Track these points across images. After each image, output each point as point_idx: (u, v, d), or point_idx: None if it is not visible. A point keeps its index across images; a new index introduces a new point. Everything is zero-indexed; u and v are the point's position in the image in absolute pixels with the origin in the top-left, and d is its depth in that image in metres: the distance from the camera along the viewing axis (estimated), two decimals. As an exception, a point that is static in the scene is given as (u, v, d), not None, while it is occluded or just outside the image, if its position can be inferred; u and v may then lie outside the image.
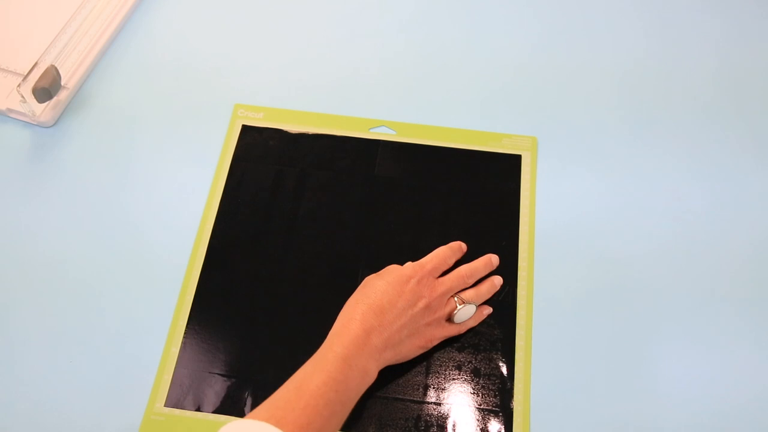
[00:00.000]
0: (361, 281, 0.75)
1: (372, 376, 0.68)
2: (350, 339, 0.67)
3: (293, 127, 0.91)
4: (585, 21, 1.01)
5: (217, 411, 0.73)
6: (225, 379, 0.75)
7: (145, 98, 0.95)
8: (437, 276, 0.76)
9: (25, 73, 0.87)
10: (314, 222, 0.84)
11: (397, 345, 0.70)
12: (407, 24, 1.01)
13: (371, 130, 0.91)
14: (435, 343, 0.74)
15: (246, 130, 0.91)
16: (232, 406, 0.74)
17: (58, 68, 0.90)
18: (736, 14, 1.01)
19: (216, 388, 0.74)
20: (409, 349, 0.72)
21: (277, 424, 0.58)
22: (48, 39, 0.92)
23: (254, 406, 0.69)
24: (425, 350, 0.74)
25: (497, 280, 0.79)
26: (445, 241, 0.81)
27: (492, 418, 0.73)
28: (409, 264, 0.76)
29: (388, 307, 0.70)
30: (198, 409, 0.73)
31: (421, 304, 0.72)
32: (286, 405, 0.61)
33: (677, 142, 0.90)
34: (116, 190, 0.87)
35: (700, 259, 0.81)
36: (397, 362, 0.73)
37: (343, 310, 0.72)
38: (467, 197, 0.86)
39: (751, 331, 0.77)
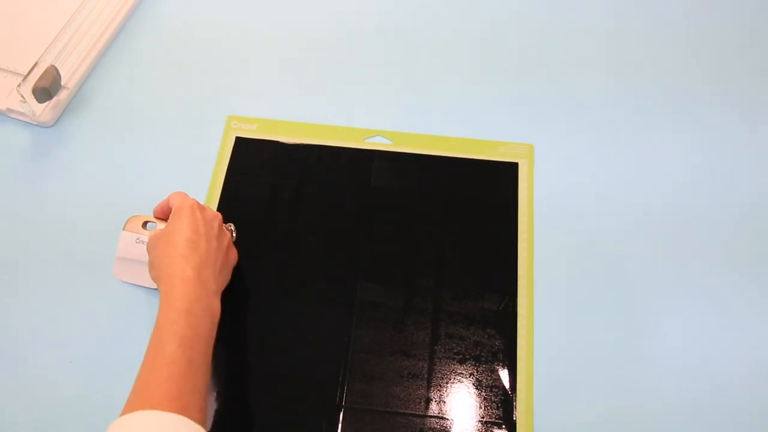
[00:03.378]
0: (360, 293, 0.72)
1: (218, 309, 0.63)
2: (185, 287, 0.60)
3: (287, 139, 0.86)
4: (580, 28, 0.97)
5: (216, 428, 0.69)
6: (223, 395, 0.70)
7: (145, 98, 0.91)
8: None
9: (25, 73, 0.84)
10: (311, 234, 0.79)
11: (223, 265, 0.67)
12: (402, 33, 0.97)
13: (367, 140, 0.86)
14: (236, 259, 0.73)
15: (240, 141, 0.86)
16: (232, 423, 0.69)
17: (58, 68, 0.86)
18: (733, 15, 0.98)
19: (216, 406, 0.69)
20: (231, 263, 0.70)
21: (152, 407, 0.53)
22: (48, 39, 0.89)
23: (253, 422, 0.67)
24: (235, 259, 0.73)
25: None
26: (442, 252, 0.77)
27: (495, 430, 0.68)
28: (178, 195, 0.71)
29: (196, 237, 0.65)
30: None
31: (216, 222, 0.69)
32: (149, 384, 0.55)
33: (677, 144, 0.86)
34: (116, 191, 0.83)
35: (700, 252, 0.78)
36: (227, 281, 0.69)
37: (153, 258, 0.66)
38: (464, 206, 0.81)
39: (749, 297, 0.76)
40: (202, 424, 0.55)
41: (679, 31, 0.96)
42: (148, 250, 0.69)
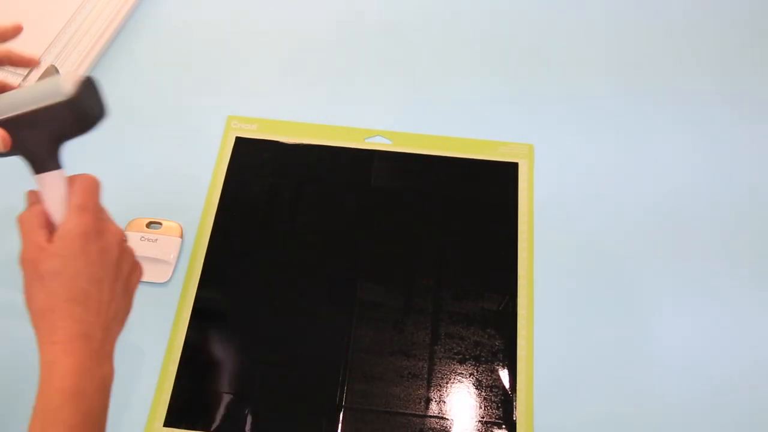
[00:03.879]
0: (360, 293, 0.72)
1: (111, 374, 0.52)
2: (71, 360, 0.49)
3: (287, 139, 0.85)
4: (580, 28, 0.96)
5: (217, 429, 0.68)
6: (224, 396, 0.69)
7: (145, 98, 0.90)
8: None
9: (26, 73, 0.83)
10: (311, 234, 0.79)
11: (118, 317, 0.55)
12: (402, 33, 0.97)
13: (367, 140, 0.85)
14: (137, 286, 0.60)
15: (240, 142, 0.85)
16: (232, 423, 0.68)
17: (58, 68, 0.86)
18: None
19: (215, 405, 0.69)
20: (133, 288, 0.58)
21: None
22: (48, 39, 0.88)
23: (254, 422, 0.66)
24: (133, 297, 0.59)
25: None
26: (442, 251, 0.77)
27: (495, 430, 0.67)
28: (79, 195, 0.55)
29: (89, 287, 0.52)
30: (198, 428, 0.68)
31: (115, 251, 0.55)
32: None
33: (677, 144, 0.85)
34: (116, 191, 0.80)
35: (700, 251, 0.78)
36: (128, 313, 0.58)
37: (32, 292, 0.53)
38: (464, 206, 0.80)
39: (750, 296, 0.75)
40: None
41: (680, 30, 0.96)
42: (26, 267, 0.55)
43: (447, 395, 0.69)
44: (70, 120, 0.55)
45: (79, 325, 0.50)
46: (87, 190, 0.55)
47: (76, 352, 0.50)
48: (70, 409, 0.48)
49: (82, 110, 0.55)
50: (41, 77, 0.82)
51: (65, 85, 0.53)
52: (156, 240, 0.77)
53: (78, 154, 0.83)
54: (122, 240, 0.56)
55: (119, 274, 0.55)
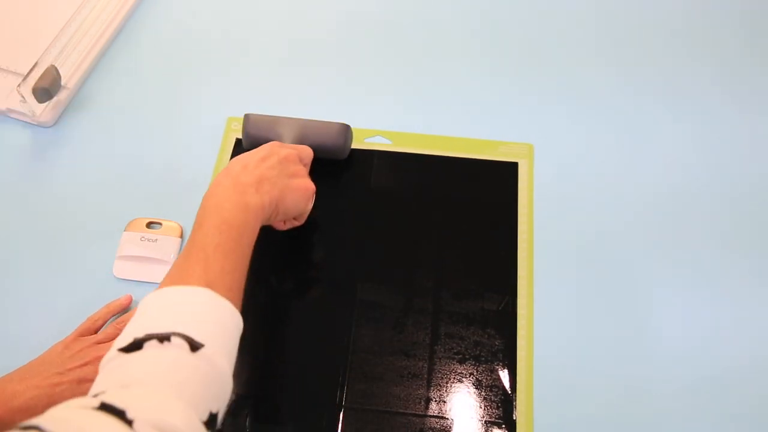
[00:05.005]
0: (360, 293, 0.72)
1: (255, 204, 0.62)
2: (216, 189, 0.62)
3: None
4: (580, 27, 0.96)
5: (217, 429, 0.66)
6: None
7: (145, 99, 0.90)
8: None
9: (25, 73, 0.83)
10: (311, 234, 0.78)
11: (273, 180, 0.65)
12: (401, 33, 0.96)
13: (366, 140, 0.85)
14: (313, 190, 0.71)
15: (240, 143, 0.84)
16: (232, 423, 0.67)
17: (58, 68, 0.85)
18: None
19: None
20: (295, 189, 0.68)
21: (177, 284, 0.54)
22: (48, 39, 0.88)
23: (254, 422, 0.66)
24: (310, 198, 0.71)
25: None
26: (441, 251, 0.76)
27: (495, 430, 0.67)
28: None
29: (247, 158, 0.66)
30: None
31: (284, 152, 0.69)
32: (178, 267, 0.57)
33: (678, 144, 0.85)
34: (116, 191, 0.82)
35: (702, 253, 0.77)
36: (292, 206, 0.68)
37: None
38: (464, 206, 0.80)
39: (751, 291, 0.75)
40: (233, 301, 0.55)
41: (679, 27, 0.96)
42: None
43: (447, 395, 0.68)
44: None
45: (229, 173, 0.63)
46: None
47: (220, 185, 0.62)
48: (211, 214, 0.59)
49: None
50: (41, 77, 0.83)
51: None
52: (156, 240, 0.76)
53: (78, 154, 0.84)
54: (296, 156, 0.70)
55: (277, 165, 0.67)
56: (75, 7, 0.92)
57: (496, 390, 0.69)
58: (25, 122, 0.87)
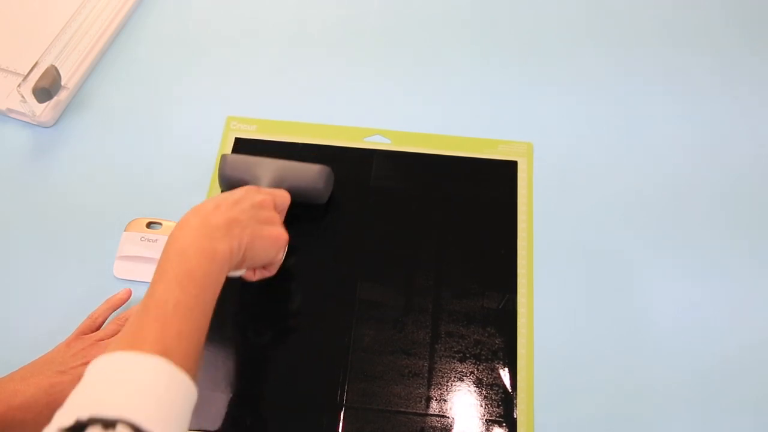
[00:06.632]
0: (360, 293, 0.71)
1: (222, 252, 0.57)
2: (183, 231, 0.57)
3: (287, 139, 0.84)
4: (580, 26, 0.96)
5: (217, 429, 0.67)
6: (225, 396, 0.68)
7: (145, 98, 0.89)
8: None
9: (25, 73, 0.83)
10: (310, 234, 0.78)
11: (244, 224, 0.61)
12: (401, 33, 0.96)
13: (366, 140, 0.84)
14: (285, 240, 0.66)
15: (239, 142, 0.84)
16: (232, 423, 0.67)
17: (58, 68, 0.85)
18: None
19: (217, 406, 0.68)
20: (266, 237, 0.63)
21: (130, 348, 0.49)
22: (48, 39, 0.87)
23: (254, 422, 0.65)
24: (282, 247, 0.67)
25: None
26: (441, 250, 0.76)
27: (496, 428, 0.66)
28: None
29: (220, 199, 0.62)
30: (198, 428, 0.67)
31: (259, 197, 0.65)
32: (134, 326, 0.52)
33: (677, 140, 0.85)
34: (116, 191, 0.82)
35: (702, 246, 0.77)
36: (261, 254, 0.64)
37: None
38: (464, 205, 0.79)
39: (752, 285, 0.75)
40: (190, 370, 0.51)
41: (679, 24, 0.95)
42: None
43: (448, 394, 0.68)
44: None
45: (198, 213, 0.59)
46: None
47: (187, 226, 0.58)
48: (174, 264, 0.55)
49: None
50: (41, 77, 0.82)
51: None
52: (156, 240, 0.76)
53: (78, 154, 0.84)
54: (270, 202, 0.66)
55: (250, 208, 0.63)
56: (75, 7, 0.91)
57: (496, 388, 0.68)
58: (25, 122, 0.86)
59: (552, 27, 0.95)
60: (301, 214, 0.77)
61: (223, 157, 0.75)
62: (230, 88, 0.90)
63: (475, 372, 0.69)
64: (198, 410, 0.66)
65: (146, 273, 0.74)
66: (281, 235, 0.65)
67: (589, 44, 0.93)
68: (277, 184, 0.72)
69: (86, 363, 0.63)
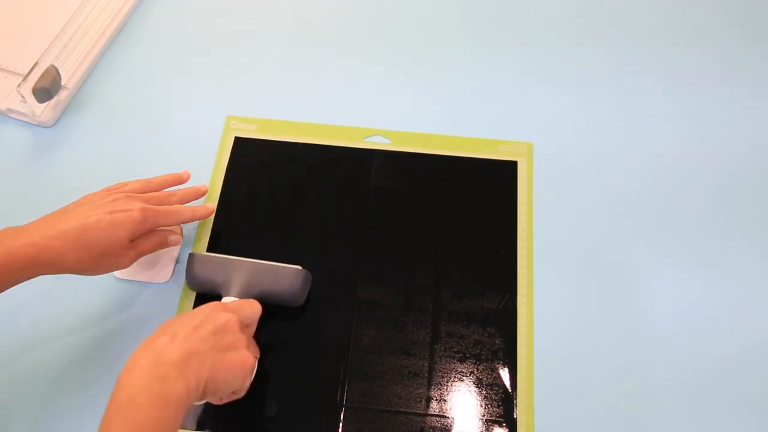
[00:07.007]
0: (360, 293, 0.71)
1: (178, 393, 0.52)
2: (132, 374, 0.52)
3: (287, 138, 0.84)
4: (580, 26, 0.95)
5: (217, 429, 0.67)
6: None
7: (145, 98, 0.89)
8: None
9: (25, 73, 0.83)
10: (310, 234, 0.78)
11: (203, 356, 0.55)
12: (400, 33, 0.95)
13: (365, 140, 0.84)
14: (252, 365, 0.61)
15: (239, 142, 0.84)
16: (232, 423, 0.67)
17: (58, 68, 0.85)
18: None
19: (216, 405, 0.66)
20: (229, 365, 0.58)
21: None
22: (48, 39, 0.87)
23: (254, 422, 0.65)
24: (249, 374, 0.60)
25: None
26: (441, 250, 0.76)
27: (496, 429, 0.66)
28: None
29: (178, 326, 0.57)
30: (198, 428, 0.67)
31: (221, 320, 0.59)
32: None
33: (678, 139, 0.85)
34: None
35: (703, 249, 0.77)
36: (223, 385, 0.58)
37: None
38: (464, 205, 0.79)
39: (753, 284, 0.75)
40: None
41: (678, 20, 0.96)
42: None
43: (447, 394, 0.68)
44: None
45: (150, 349, 0.54)
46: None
47: (137, 368, 0.53)
48: (119, 418, 0.50)
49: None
50: (41, 77, 0.82)
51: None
52: (156, 240, 0.76)
53: (78, 154, 0.84)
54: (237, 323, 0.60)
55: (212, 337, 0.57)
56: (75, 7, 0.91)
57: (496, 388, 0.68)
58: (25, 122, 0.86)
59: (552, 27, 0.95)
60: (300, 214, 0.78)
61: (191, 256, 0.71)
62: (230, 88, 0.89)
63: (475, 372, 0.69)
64: (198, 410, 0.67)
65: (146, 273, 0.74)
66: (246, 360, 0.59)
67: (589, 44, 0.93)
68: (249, 289, 0.68)
69: (114, 201, 0.66)
